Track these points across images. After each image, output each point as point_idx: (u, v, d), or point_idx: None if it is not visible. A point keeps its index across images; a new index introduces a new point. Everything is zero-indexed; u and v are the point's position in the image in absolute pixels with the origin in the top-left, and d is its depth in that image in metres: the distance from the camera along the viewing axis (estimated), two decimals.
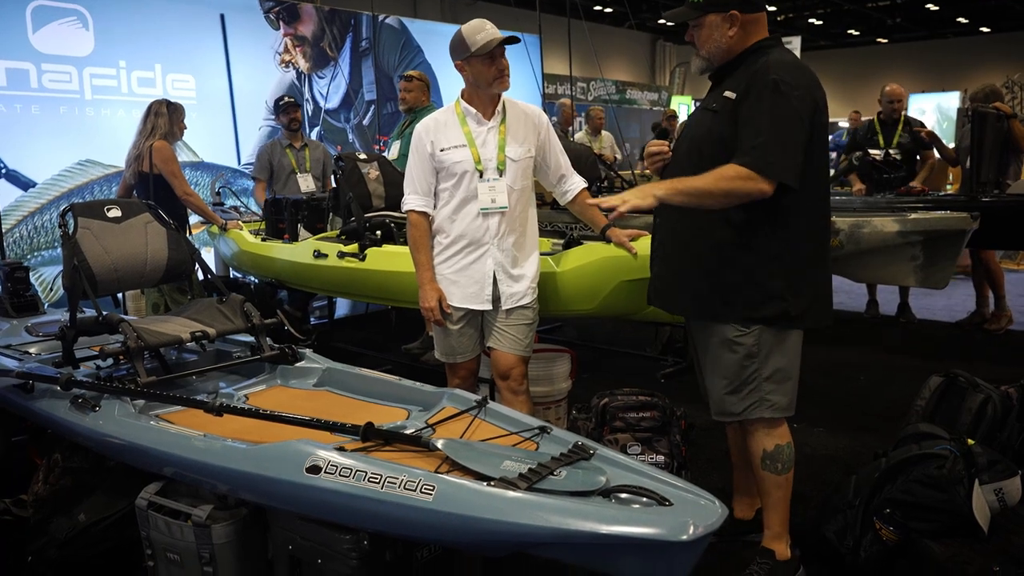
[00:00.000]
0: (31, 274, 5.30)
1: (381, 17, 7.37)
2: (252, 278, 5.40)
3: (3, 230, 5.26)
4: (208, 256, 5.88)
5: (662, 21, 19.35)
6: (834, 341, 6.06)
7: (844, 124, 12.53)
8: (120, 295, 4.81)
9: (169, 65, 6.03)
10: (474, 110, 3.01)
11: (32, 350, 3.39)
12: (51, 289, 5.53)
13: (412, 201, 3.07)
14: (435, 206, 3.07)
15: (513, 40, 2.95)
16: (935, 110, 16.60)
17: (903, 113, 6.33)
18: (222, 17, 6.31)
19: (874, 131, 6.31)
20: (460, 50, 2.95)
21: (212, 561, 2.35)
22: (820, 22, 20.65)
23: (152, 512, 2.44)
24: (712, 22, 2.46)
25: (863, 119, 10.61)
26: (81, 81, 5.59)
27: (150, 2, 5.93)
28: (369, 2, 6.94)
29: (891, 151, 6.14)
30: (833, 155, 10.07)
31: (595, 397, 3.15)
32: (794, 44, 17.68)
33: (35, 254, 5.44)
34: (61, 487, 3.00)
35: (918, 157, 6.24)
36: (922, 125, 6.33)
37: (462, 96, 3.07)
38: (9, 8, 5.25)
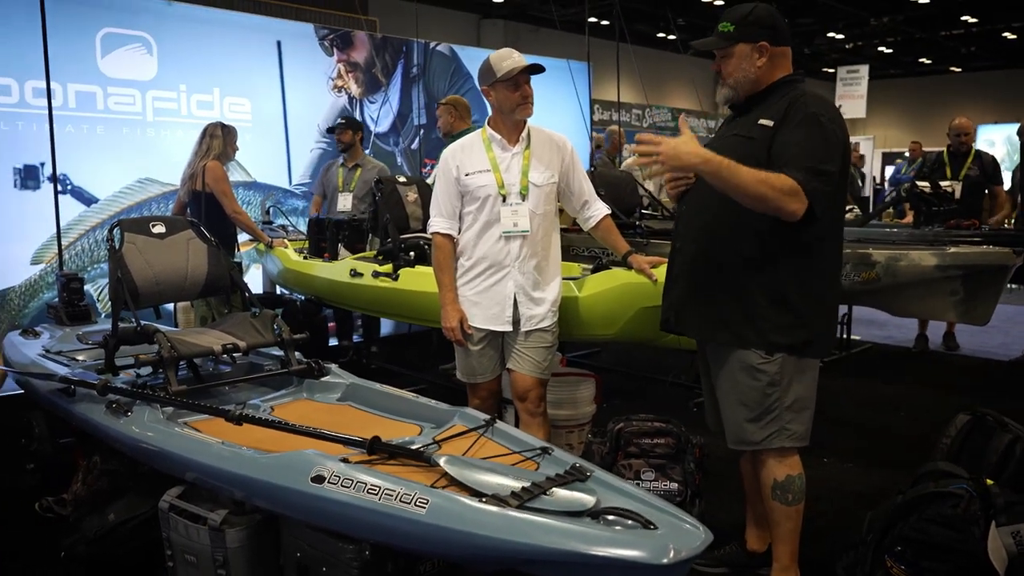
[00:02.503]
0: (91, 285, 5.59)
1: (432, 44, 7.56)
2: (299, 295, 5.56)
3: (66, 243, 5.55)
4: (257, 272, 6.08)
5: None
6: (879, 374, 5.94)
7: (907, 155, 12.24)
8: (171, 307, 5.03)
9: (227, 89, 6.29)
10: (499, 136, 3.10)
11: (80, 357, 3.57)
12: (107, 299, 5.78)
13: (437, 223, 3.16)
14: (460, 229, 3.16)
15: (537, 69, 3.03)
16: (1005, 141, 16.07)
17: (972, 146, 6.25)
18: (278, 44, 6.57)
19: (942, 163, 6.26)
20: (487, 76, 3.05)
21: (226, 564, 2.44)
22: (890, 50, 20.25)
23: (173, 514, 2.55)
24: (741, 52, 2.51)
25: (924, 150, 10.39)
26: (144, 104, 5.88)
27: (211, 30, 6.22)
28: (426, 30, 7.13)
29: (944, 183, 6.02)
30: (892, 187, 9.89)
31: (611, 422, 3.17)
32: (862, 73, 17.38)
33: (95, 266, 5.71)
34: (98, 488, 3.15)
35: (986, 192, 6.14)
36: (993, 159, 6.24)
37: (488, 123, 3.16)
38: (81, 35, 5.57)
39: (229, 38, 6.31)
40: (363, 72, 7.09)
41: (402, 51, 7.31)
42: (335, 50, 6.93)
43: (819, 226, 2.43)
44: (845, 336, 6.47)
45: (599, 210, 3.27)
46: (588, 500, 1.95)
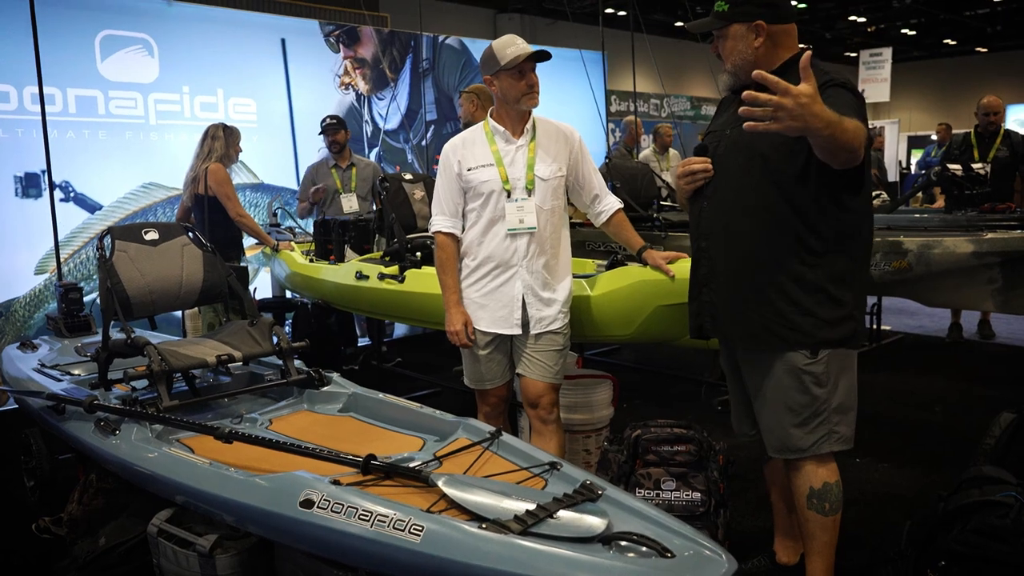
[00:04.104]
0: (96, 294, 5.48)
1: (441, 38, 7.39)
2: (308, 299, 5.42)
3: (70, 252, 5.45)
4: (266, 276, 5.96)
5: None
6: (911, 366, 5.70)
7: (936, 138, 11.86)
8: (180, 314, 4.92)
9: (231, 89, 6.15)
10: (502, 128, 2.93)
11: (76, 371, 3.45)
12: None
13: (439, 222, 2.99)
14: (463, 228, 2.99)
15: (544, 56, 2.85)
16: None
17: (1002, 126, 5.97)
18: (283, 41, 6.43)
19: (970, 144, 5.98)
20: (490, 65, 2.87)
21: None
22: (913, 32, 19.77)
23: (161, 539, 2.41)
24: (736, 32, 2.34)
25: (954, 132, 10.03)
26: (146, 107, 5.75)
27: (213, 29, 6.08)
28: (440, 26, 6.93)
29: (975, 165, 5.75)
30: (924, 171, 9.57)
31: (627, 428, 2.98)
32: (885, 56, 16.98)
33: None
34: (94, 508, 3.04)
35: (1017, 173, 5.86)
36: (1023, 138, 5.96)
37: (491, 114, 2.98)
38: (79, 38, 5.45)
39: (232, 37, 6.16)
40: (370, 68, 6.93)
41: (410, 45, 7.14)
42: (341, 46, 6.77)
43: (857, 211, 2.29)
44: (875, 327, 6.22)
45: (610, 204, 3.08)
46: (598, 524, 1.77)
